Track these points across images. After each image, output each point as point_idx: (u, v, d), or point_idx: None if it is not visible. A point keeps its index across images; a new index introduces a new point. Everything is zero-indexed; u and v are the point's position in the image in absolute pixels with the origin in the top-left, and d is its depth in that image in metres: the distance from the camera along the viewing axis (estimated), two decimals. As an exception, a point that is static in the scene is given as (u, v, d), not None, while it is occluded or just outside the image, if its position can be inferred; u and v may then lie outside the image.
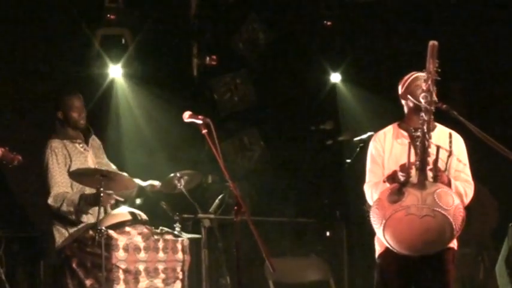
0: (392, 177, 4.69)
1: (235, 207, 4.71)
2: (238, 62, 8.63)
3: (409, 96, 4.79)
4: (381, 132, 4.98)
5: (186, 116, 5.08)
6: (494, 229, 7.93)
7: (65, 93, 6.11)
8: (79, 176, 5.77)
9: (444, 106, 4.74)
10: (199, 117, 5.04)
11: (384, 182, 4.74)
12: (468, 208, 4.70)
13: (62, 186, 5.81)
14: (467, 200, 4.80)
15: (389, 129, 4.94)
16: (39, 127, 6.22)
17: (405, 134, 4.81)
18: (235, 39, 8.59)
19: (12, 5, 7.54)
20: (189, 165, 6.67)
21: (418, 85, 4.73)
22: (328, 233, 7.99)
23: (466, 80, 8.41)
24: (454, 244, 4.79)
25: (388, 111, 6.46)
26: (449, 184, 4.69)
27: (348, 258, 7.59)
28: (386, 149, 4.86)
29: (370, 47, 8.54)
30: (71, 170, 5.84)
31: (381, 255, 4.84)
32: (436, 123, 4.88)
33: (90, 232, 5.62)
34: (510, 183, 7.69)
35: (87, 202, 5.73)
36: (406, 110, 4.87)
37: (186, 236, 5.94)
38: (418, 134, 4.65)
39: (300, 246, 7.90)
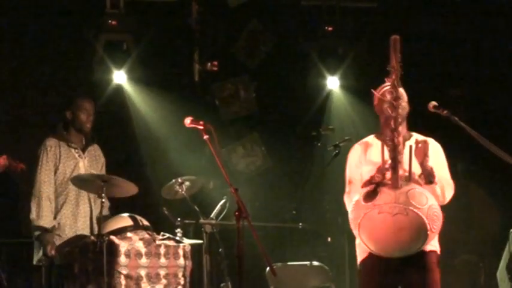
0: (369, 182, 4.65)
1: (237, 213, 4.71)
2: (240, 68, 8.64)
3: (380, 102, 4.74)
4: (358, 143, 4.95)
5: (188, 121, 5.10)
6: (495, 235, 7.93)
7: (78, 95, 6.33)
8: (80, 181, 5.79)
9: (445, 112, 4.73)
10: (201, 122, 5.06)
11: (362, 187, 4.70)
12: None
13: (44, 185, 5.89)
14: (444, 199, 4.72)
15: (367, 140, 4.92)
16: (42, 134, 6.23)
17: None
18: (237, 45, 8.60)
19: (13, 12, 7.56)
20: (190, 171, 6.67)
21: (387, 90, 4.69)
22: (329, 239, 7.97)
23: (465, 86, 8.41)
24: (435, 247, 4.74)
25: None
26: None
27: (349, 264, 7.57)
28: (364, 160, 4.84)
29: (370, 52, 8.53)
30: (58, 171, 5.95)
31: (362, 261, 4.81)
32: (413, 133, 4.85)
33: (92, 237, 5.63)
34: (510, 188, 7.69)
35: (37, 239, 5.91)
36: (381, 120, 4.79)
37: (187, 242, 5.94)
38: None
39: (302, 251, 7.88)
